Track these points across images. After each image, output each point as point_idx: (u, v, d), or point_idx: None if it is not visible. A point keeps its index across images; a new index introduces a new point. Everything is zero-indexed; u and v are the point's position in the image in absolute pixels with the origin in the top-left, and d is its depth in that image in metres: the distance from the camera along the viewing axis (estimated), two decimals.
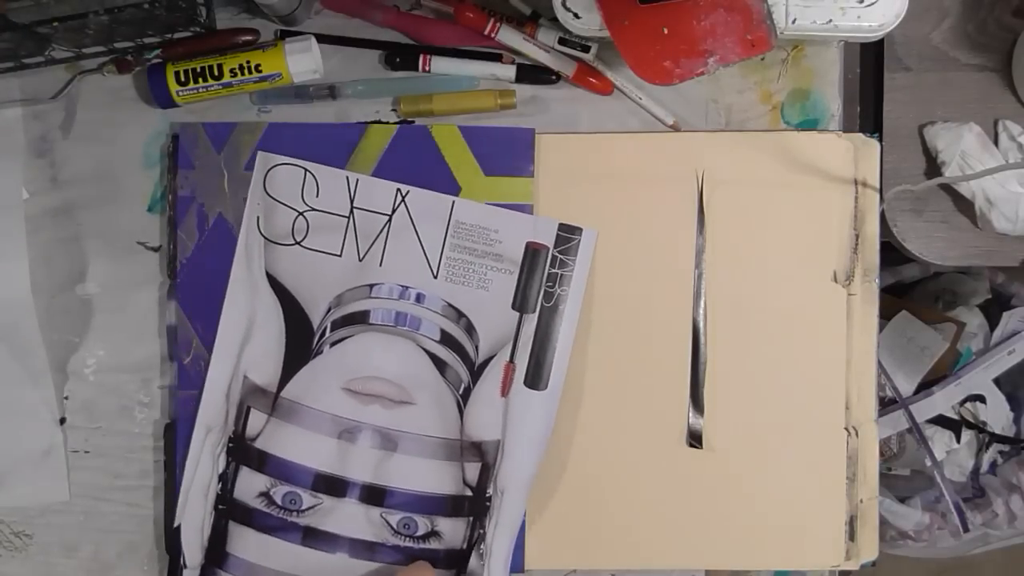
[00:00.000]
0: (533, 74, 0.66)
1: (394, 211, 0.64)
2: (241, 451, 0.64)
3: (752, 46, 0.56)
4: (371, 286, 0.64)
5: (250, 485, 0.64)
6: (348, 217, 0.64)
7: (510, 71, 0.66)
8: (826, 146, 0.66)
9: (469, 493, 0.64)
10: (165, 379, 0.67)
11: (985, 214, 0.70)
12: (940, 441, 0.99)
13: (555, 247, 0.64)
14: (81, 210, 0.67)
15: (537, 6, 0.66)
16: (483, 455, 0.64)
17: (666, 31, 0.56)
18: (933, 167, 0.72)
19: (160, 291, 0.67)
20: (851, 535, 0.66)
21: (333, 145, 0.65)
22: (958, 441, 0.98)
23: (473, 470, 0.64)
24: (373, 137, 0.65)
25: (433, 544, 0.64)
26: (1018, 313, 0.98)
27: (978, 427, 0.98)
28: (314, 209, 0.64)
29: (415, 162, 0.65)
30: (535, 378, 0.64)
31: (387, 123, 0.66)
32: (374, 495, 0.64)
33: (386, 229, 0.64)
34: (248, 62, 0.64)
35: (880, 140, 0.66)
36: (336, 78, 0.67)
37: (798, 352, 0.66)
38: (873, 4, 0.60)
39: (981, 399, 0.99)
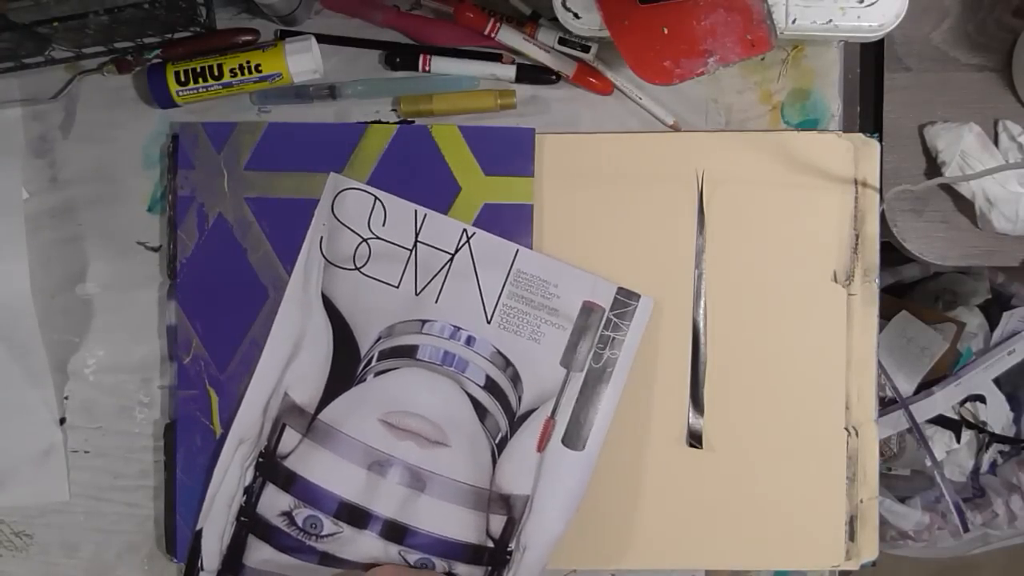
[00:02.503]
0: (533, 74, 0.66)
1: (457, 251, 0.63)
2: (270, 468, 0.64)
3: (752, 46, 0.56)
4: (423, 322, 0.64)
5: (274, 503, 0.64)
6: (411, 250, 0.64)
7: (510, 71, 0.66)
8: (826, 146, 0.66)
9: (491, 545, 0.63)
10: (165, 379, 0.67)
11: (985, 214, 0.70)
12: (940, 441, 0.99)
13: (611, 310, 0.64)
14: (81, 210, 0.67)
15: (537, 6, 0.66)
16: (510, 509, 0.63)
17: (666, 31, 0.56)
18: (933, 167, 0.72)
19: (160, 291, 0.67)
20: (851, 535, 0.66)
21: (333, 145, 0.65)
22: (958, 441, 0.98)
23: (498, 522, 0.63)
24: (373, 137, 0.65)
25: None
26: (1018, 313, 0.98)
27: (978, 427, 0.98)
28: (378, 237, 0.64)
29: (415, 162, 0.65)
30: (574, 437, 0.63)
31: (387, 123, 0.66)
32: (395, 532, 0.63)
33: (447, 267, 0.63)
34: (248, 62, 0.64)
35: (880, 140, 0.66)
36: (336, 78, 0.67)
37: (798, 352, 0.66)
38: (873, 4, 0.60)
39: (981, 399, 0.99)
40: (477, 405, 0.63)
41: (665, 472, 0.66)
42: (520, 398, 0.64)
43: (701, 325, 0.66)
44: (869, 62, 0.73)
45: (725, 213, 0.66)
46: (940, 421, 0.98)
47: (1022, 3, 0.72)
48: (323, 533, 0.63)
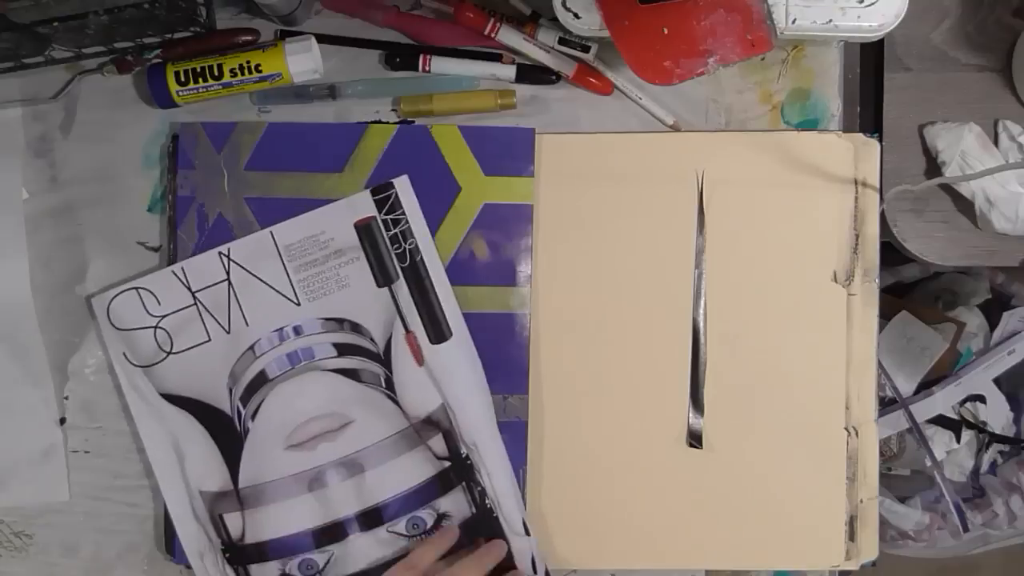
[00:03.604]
0: (533, 74, 0.66)
1: (228, 272, 0.64)
2: (239, 555, 0.64)
3: (752, 46, 0.56)
4: (251, 347, 0.64)
5: (265, 574, 0.64)
6: (194, 304, 0.64)
7: (510, 71, 0.66)
8: (826, 146, 0.66)
9: (448, 464, 0.64)
10: None
11: (985, 214, 0.70)
12: (940, 441, 0.99)
13: (380, 212, 0.64)
14: (81, 210, 0.67)
15: (537, 6, 0.66)
16: (438, 424, 0.64)
17: (666, 31, 0.56)
18: (933, 167, 0.72)
19: None
20: (851, 535, 0.66)
21: (333, 145, 0.65)
22: (958, 441, 0.98)
23: (438, 443, 0.64)
24: (373, 137, 0.65)
25: (447, 525, 0.64)
26: (1018, 313, 0.98)
27: (978, 427, 0.98)
28: (164, 316, 0.64)
29: (415, 162, 0.65)
30: (437, 332, 0.64)
31: (387, 123, 0.66)
32: (371, 518, 0.64)
33: (231, 292, 0.64)
34: (248, 62, 0.64)
35: (880, 140, 0.67)
36: (336, 78, 0.67)
37: (798, 352, 0.66)
38: (873, 4, 0.60)
39: (981, 399, 0.99)
40: (346, 372, 0.64)
41: (665, 472, 0.66)
42: (372, 339, 0.64)
43: (701, 325, 0.66)
44: (869, 62, 0.73)
45: (725, 213, 0.66)
46: (940, 421, 0.98)
47: (1022, 3, 0.72)
48: (321, 567, 0.64)
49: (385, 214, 0.64)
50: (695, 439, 0.66)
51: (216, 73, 0.64)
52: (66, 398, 0.67)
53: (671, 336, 0.66)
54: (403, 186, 0.64)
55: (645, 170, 0.66)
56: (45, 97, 0.67)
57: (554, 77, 0.66)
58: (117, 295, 0.64)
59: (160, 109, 0.66)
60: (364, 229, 0.64)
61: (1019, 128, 0.71)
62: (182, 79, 0.64)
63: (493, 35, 0.65)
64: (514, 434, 0.65)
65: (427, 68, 0.66)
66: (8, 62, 0.65)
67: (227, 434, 0.64)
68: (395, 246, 0.64)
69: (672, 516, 0.66)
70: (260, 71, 0.64)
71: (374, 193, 0.64)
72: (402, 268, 0.64)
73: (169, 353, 0.64)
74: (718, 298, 0.66)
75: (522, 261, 0.65)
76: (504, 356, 0.65)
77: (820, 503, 0.66)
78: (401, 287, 0.64)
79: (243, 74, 0.64)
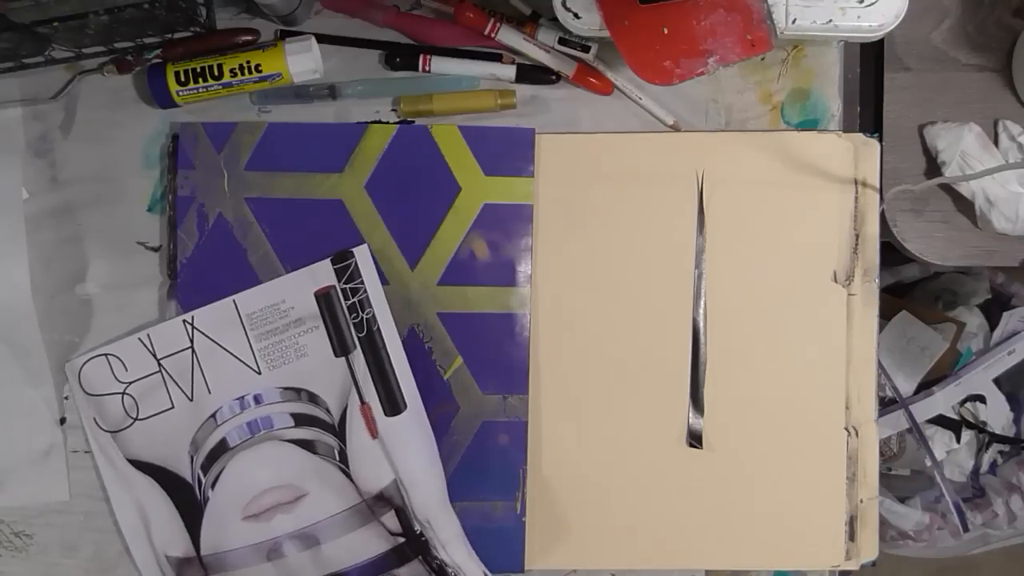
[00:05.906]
0: (533, 74, 0.66)
1: (192, 340, 0.64)
2: None
3: (752, 46, 0.56)
4: (213, 416, 0.64)
5: None
6: (159, 371, 0.64)
7: (510, 71, 0.66)
8: (826, 146, 0.66)
9: (402, 540, 0.64)
10: None
11: (985, 214, 0.70)
12: (940, 441, 0.99)
13: (340, 281, 0.64)
14: (81, 210, 0.67)
15: (537, 6, 0.66)
16: (390, 501, 0.64)
17: (666, 31, 0.56)
18: (933, 167, 0.72)
19: (160, 291, 0.67)
20: (851, 535, 0.66)
21: (333, 145, 0.65)
22: (958, 441, 0.99)
23: (391, 519, 0.64)
24: (373, 137, 0.65)
25: None
26: (1018, 313, 0.98)
27: (978, 427, 0.98)
28: (131, 382, 0.64)
29: (415, 162, 0.65)
30: (392, 405, 0.64)
31: (387, 123, 0.66)
32: None
33: (195, 360, 0.64)
34: (248, 62, 0.64)
35: (880, 140, 0.67)
36: (336, 78, 0.67)
37: (798, 352, 0.66)
38: (873, 4, 0.60)
39: (981, 399, 0.99)
40: (302, 443, 0.64)
41: (665, 472, 0.66)
42: (328, 409, 0.64)
43: (701, 325, 0.66)
44: (869, 62, 0.73)
45: (725, 213, 0.66)
46: (940, 421, 0.99)
47: (1022, 3, 0.72)
48: None
49: (344, 283, 0.64)
50: (695, 439, 0.66)
51: (216, 73, 0.64)
52: (66, 398, 0.67)
53: (671, 336, 0.66)
54: (363, 255, 0.64)
55: (645, 170, 0.66)
56: (45, 97, 0.67)
57: (554, 77, 0.66)
58: (87, 361, 0.65)
59: (160, 109, 0.66)
60: (324, 298, 0.64)
61: (1019, 128, 0.71)
62: (182, 79, 0.64)
63: (493, 35, 0.65)
64: (514, 434, 0.65)
65: (427, 68, 0.66)
66: (8, 62, 0.65)
67: (188, 501, 0.64)
68: (352, 315, 0.64)
69: (672, 516, 0.66)
70: (260, 71, 0.64)
71: (334, 262, 0.64)
72: (359, 338, 0.64)
73: (135, 419, 0.64)
74: (718, 298, 0.66)
75: (522, 261, 0.65)
76: (504, 356, 0.65)
77: (820, 503, 0.66)
78: (358, 357, 0.64)
79: (243, 74, 0.64)
